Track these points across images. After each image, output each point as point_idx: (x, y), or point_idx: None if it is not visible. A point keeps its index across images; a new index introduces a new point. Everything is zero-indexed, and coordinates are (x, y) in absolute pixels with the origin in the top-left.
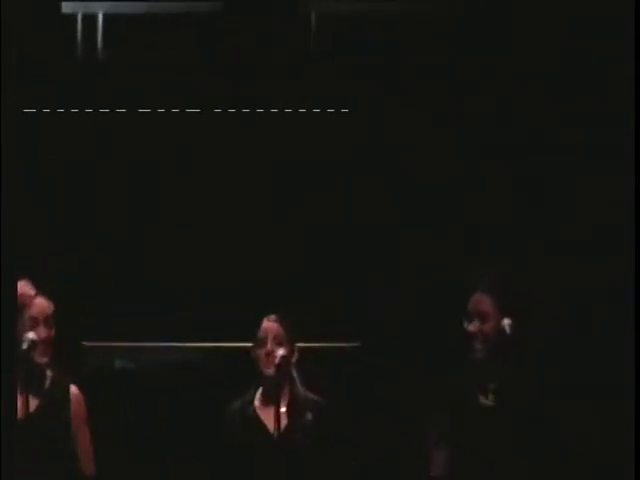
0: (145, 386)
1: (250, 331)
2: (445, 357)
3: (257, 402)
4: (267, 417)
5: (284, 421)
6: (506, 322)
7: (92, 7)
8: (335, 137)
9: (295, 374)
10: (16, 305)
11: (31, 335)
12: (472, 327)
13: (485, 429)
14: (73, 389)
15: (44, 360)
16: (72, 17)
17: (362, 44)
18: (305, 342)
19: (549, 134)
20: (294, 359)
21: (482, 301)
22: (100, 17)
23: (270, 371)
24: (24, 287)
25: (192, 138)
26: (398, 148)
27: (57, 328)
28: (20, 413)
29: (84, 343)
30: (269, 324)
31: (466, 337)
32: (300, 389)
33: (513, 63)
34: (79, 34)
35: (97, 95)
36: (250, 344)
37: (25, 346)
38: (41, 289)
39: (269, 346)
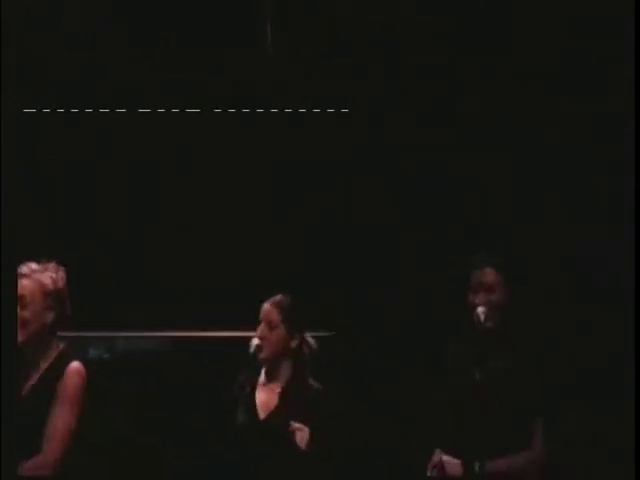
0: (119, 376)
1: (233, 320)
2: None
3: (259, 384)
4: (261, 397)
5: (273, 403)
6: (480, 310)
7: None
8: (335, 137)
9: (295, 360)
10: (16, 302)
11: None
12: (478, 299)
13: (479, 403)
14: (74, 365)
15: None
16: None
17: (362, 44)
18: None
19: (549, 134)
20: (294, 344)
21: (486, 273)
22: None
23: (262, 355)
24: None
25: (192, 138)
26: (398, 148)
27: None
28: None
29: (58, 333)
30: (266, 307)
31: (470, 310)
32: (302, 375)
33: (513, 63)
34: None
35: (97, 95)
36: (228, 333)
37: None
38: None
39: (259, 331)
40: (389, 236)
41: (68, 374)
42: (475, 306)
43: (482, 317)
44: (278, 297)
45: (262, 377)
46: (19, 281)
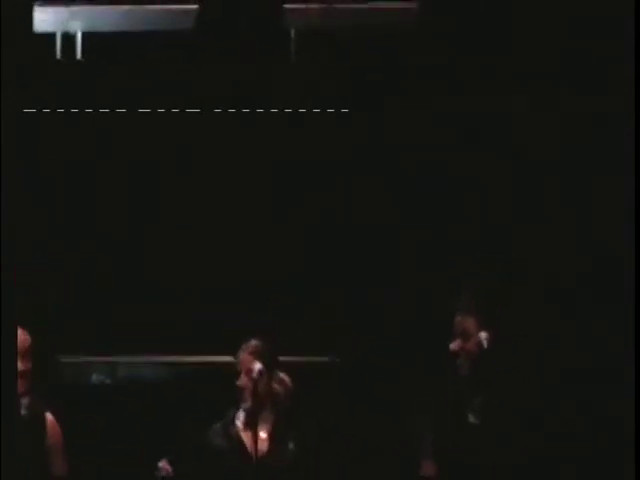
0: (121, 401)
1: (232, 345)
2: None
3: (239, 423)
4: (248, 439)
5: (265, 446)
6: (483, 336)
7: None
8: (335, 137)
9: (281, 396)
10: (16, 307)
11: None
12: (454, 345)
13: (472, 446)
14: (49, 417)
15: (22, 391)
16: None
17: (362, 44)
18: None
19: (549, 134)
20: (275, 382)
21: (463, 320)
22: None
23: (247, 404)
24: None
25: (192, 138)
26: (398, 148)
27: (34, 347)
28: None
29: (60, 359)
30: (243, 356)
31: (451, 356)
32: (284, 418)
33: (513, 63)
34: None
35: (97, 95)
36: (228, 358)
37: None
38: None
39: (241, 380)
40: (389, 236)
41: (50, 426)
42: (453, 353)
43: (485, 343)
44: (253, 343)
45: (242, 416)
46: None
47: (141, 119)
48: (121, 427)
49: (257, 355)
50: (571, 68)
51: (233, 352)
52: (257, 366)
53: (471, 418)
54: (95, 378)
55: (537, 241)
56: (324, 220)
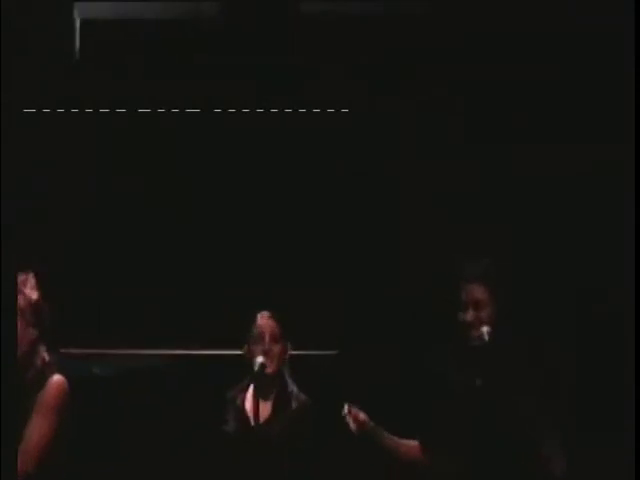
0: (123, 393)
1: (233, 336)
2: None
3: (248, 396)
4: (254, 408)
5: (267, 413)
6: (485, 330)
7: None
8: (335, 137)
9: (287, 371)
10: (16, 303)
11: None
12: (468, 316)
13: (481, 420)
14: (55, 377)
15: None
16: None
17: (362, 44)
18: (299, 346)
19: (548, 132)
20: (287, 356)
21: (476, 289)
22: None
23: (269, 370)
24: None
25: (192, 138)
26: (398, 148)
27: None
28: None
29: (62, 350)
30: (265, 321)
31: (461, 327)
32: (290, 386)
33: (513, 63)
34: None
35: (97, 95)
36: (236, 351)
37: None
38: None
39: (267, 344)
40: (388, 235)
41: (49, 385)
42: (466, 323)
43: (486, 336)
44: (267, 312)
45: (252, 389)
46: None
47: (141, 119)
48: (124, 419)
49: (277, 320)
50: (571, 68)
51: (239, 345)
52: (274, 328)
53: (481, 390)
54: (97, 370)
55: (535, 242)
56: (325, 220)
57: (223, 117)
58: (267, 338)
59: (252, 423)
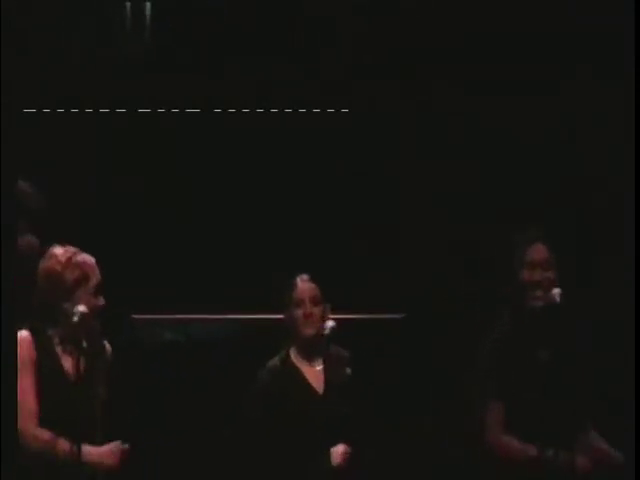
0: (194, 358)
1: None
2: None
3: (294, 359)
4: (307, 374)
5: (321, 378)
6: (557, 291)
7: None
8: (335, 137)
9: (328, 332)
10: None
11: (82, 308)
12: (537, 276)
13: (542, 383)
14: (107, 345)
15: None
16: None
17: (362, 44)
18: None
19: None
20: (327, 318)
21: (542, 250)
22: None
23: (311, 332)
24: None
25: (192, 138)
26: (398, 148)
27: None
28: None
29: (133, 316)
30: (306, 284)
31: (524, 287)
32: (333, 347)
33: (513, 63)
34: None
35: (97, 95)
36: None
37: (77, 318)
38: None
39: (308, 307)
40: (388, 235)
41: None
42: (531, 283)
43: (558, 298)
44: (306, 275)
45: (295, 353)
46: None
47: (141, 119)
48: (193, 384)
49: (316, 283)
50: (571, 68)
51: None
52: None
53: (543, 354)
54: (168, 335)
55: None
56: (325, 220)
57: (223, 117)
58: (306, 301)
59: (316, 389)
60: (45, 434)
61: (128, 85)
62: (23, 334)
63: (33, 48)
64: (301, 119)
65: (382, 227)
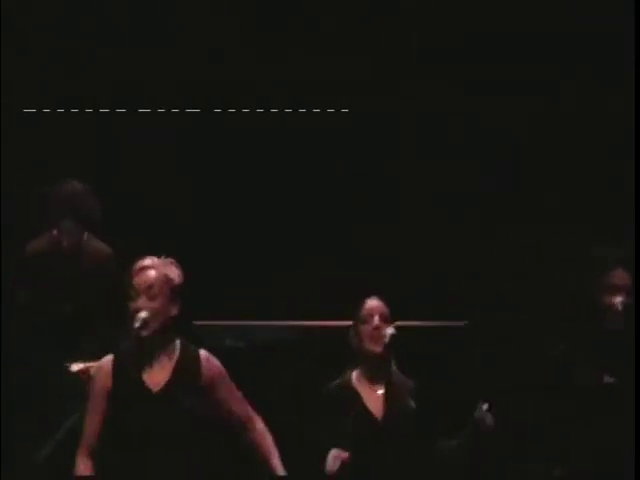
0: (255, 365)
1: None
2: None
3: (355, 381)
4: (368, 399)
5: (381, 403)
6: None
7: None
8: (335, 137)
9: (388, 340)
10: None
11: (144, 314)
12: (621, 300)
13: (607, 405)
14: (202, 353)
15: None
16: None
17: (362, 44)
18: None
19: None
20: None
21: (625, 276)
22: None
23: (378, 349)
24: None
25: (192, 138)
26: (398, 148)
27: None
28: (155, 387)
29: (195, 322)
30: (375, 302)
31: (604, 311)
32: (396, 370)
33: (513, 63)
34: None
35: (97, 95)
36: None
37: (138, 324)
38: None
39: (376, 323)
40: (388, 235)
41: (204, 360)
42: (614, 308)
43: (622, 321)
44: (376, 295)
45: (359, 373)
46: (144, 272)
47: (141, 119)
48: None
49: (385, 302)
50: (571, 67)
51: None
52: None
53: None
54: (229, 342)
55: None
56: (326, 221)
57: (223, 117)
58: (376, 318)
59: (375, 415)
60: (83, 467)
61: (128, 85)
62: (104, 362)
63: (33, 48)
64: (301, 119)
65: (382, 227)
